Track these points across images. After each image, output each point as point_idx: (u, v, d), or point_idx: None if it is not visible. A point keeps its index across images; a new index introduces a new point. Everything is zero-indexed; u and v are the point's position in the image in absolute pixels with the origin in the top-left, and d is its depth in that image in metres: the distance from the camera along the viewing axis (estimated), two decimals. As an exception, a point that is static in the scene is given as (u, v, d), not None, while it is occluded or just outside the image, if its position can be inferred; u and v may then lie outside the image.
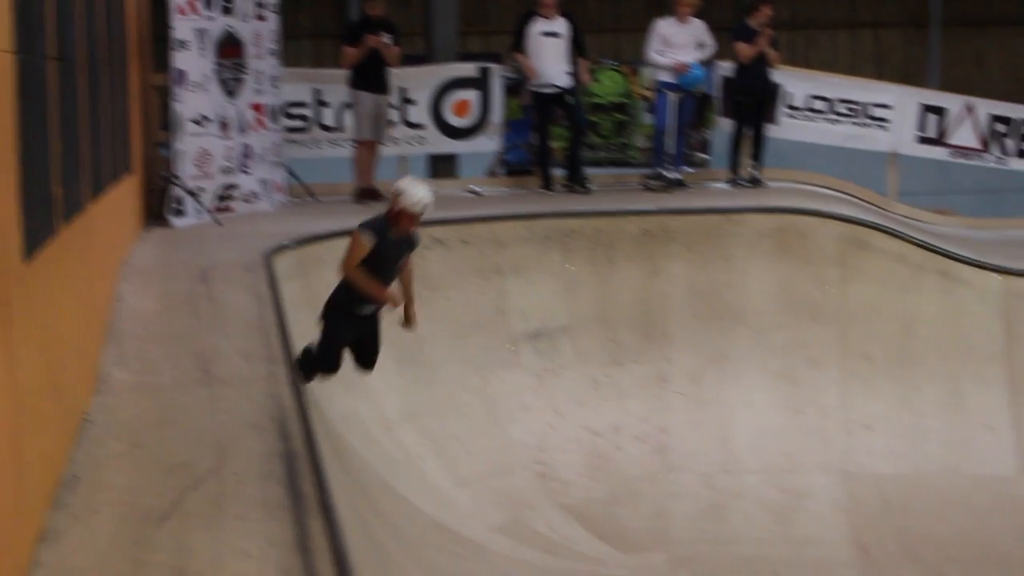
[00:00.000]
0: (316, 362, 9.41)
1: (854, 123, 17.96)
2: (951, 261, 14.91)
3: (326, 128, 17.05)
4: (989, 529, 13.25)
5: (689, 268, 14.57)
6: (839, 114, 17.95)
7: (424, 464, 12.49)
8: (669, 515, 13.18)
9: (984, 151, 18.19)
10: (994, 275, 14.89)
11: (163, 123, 14.78)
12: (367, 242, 9.08)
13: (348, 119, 16.61)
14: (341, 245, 12.70)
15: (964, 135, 18.14)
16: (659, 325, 14.40)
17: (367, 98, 16.02)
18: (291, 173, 16.24)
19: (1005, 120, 18.19)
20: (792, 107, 17.85)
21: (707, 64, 16.87)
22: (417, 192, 9.13)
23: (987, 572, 12.55)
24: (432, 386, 13.11)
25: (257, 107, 15.14)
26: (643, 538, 12.86)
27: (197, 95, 14.15)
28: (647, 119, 17.82)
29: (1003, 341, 14.55)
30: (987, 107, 18.28)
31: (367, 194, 15.94)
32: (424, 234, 13.87)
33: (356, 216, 14.66)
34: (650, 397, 14.05)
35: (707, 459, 13.67)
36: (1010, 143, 18.14)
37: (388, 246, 9.16)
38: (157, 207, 14.07)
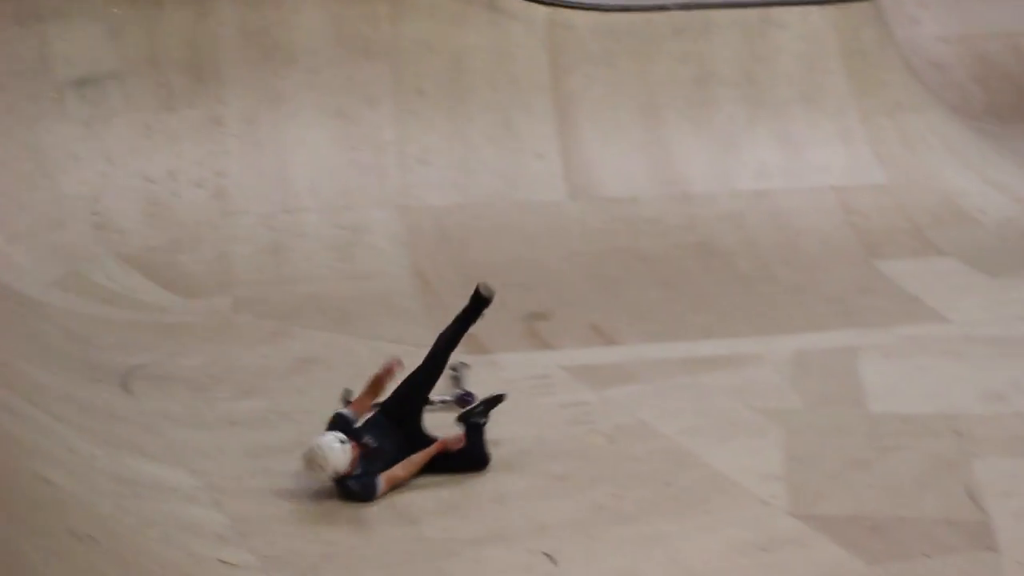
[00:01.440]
0: None
1: None
2: (498, -7, 15.14)
3: None
4: (540, 251, 13.81)
5: (239, 7, 14.27)
6: None
7: (-29, 222, 12.03)
8: (231, 258, 13.15)
9: None
10: (539, 6, 15.21)
11: None
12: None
13: None
14: None
15: None
16: (211, 68, 14.12)
17: None
18: None
19: None
20: None
21: None
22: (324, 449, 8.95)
23: (539, 292, 13.11)
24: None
25: None
26: (206, 283, 12.82)
27: None
28: None
29: (549, 72, 14.95)
30: None
31: None
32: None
33: None
34: (205, 141, 13.85)
35: (266, 200, 13.65)
36: None
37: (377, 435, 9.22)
38: None
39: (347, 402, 10.01)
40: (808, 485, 9.08)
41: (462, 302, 12.76)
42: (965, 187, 15.56)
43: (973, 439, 9.77)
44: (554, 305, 12.92)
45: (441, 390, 10.79)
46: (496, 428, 10.20)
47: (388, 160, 14.14)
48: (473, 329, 11.95)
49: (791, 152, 15.36)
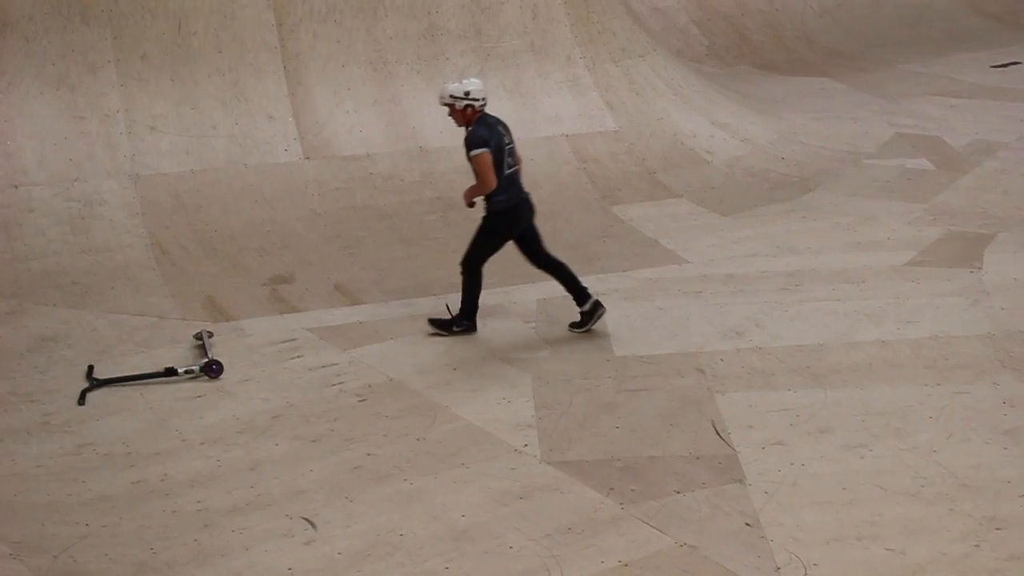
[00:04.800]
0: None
1: None
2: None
3: None
4: (279, 214, 13.67)
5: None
6: None
7: None
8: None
9: None
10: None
11: None
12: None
13: None
14: None
15: None
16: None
17: None
18: None
19: None
20: None
21: None
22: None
23: (281, 255, 13.00)
24: None
25: None
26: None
27: None
28: None
29: (276, 32, 14.77)
30: None
31: None
32: None
33: None
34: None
35: (-7, 176, 13.22)
36: None
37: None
38: None
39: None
40: (559, 431, 9.24)
41: (201, 270, 12.67)
42: (693, 130, 15.94)
43: (716, 375, 10.06)
44: (296, 267, 12.84)
45: (187, 360, 10.68)
46: (245, 395, 10.12)
47: (116, 128, 13.78)
48: (214, 295, 11.85)
49: (523, 102, 15.50)
